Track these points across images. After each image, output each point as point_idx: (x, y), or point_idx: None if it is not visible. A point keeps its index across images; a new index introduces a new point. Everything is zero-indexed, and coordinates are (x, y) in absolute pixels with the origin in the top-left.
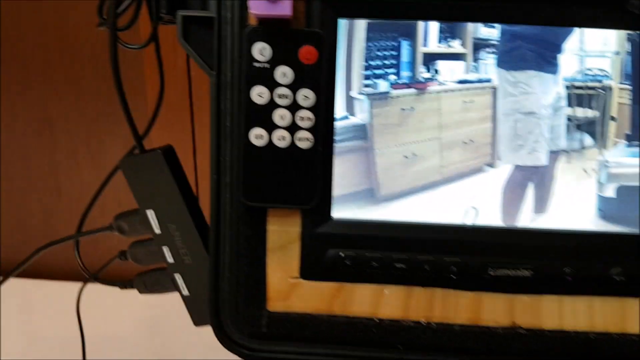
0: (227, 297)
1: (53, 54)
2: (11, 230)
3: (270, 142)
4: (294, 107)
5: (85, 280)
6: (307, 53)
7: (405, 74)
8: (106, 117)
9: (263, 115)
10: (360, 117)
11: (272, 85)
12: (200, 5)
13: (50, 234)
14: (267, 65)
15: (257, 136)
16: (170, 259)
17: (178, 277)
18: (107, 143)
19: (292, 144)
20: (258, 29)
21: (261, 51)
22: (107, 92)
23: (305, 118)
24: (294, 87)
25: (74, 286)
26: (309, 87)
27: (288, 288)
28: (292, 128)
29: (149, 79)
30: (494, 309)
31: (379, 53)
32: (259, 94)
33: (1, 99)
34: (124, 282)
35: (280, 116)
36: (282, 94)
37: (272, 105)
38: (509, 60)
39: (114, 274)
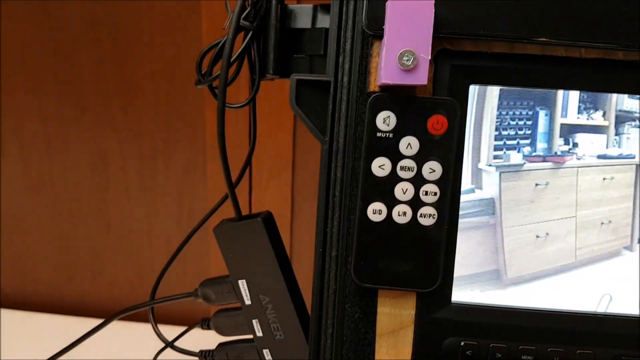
0: None
1: (110, 87)
2: (57, 266)
3: (389, 217)
4: (418, 181)
5: (162, 348)
6: (437, 123)
7: (540, 145)
8: (161, 153)
9: (383, 189)
10: (488, 190)
11: (395, 156)
12: (307, 67)
13: (97, 271)
14: (390, 135)
15: (376, 211)
16: (259, 333)
17: (266, 353)
18: (160, 181)
19: (414, 220)
20: (383, 96)
21: (385, 120)
22: (164, 128)
23: (430, 192)
24: (419, 159)
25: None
26: (436, 159)
27: None
28: (415, 203)
29: (208, 121)
30: None
31: (512, 122)
32: (380, 166)
33: (56, 131)
34: (204, 352)
35: (403, 190)
36: (406, 166)
37: (393, 178)
38: None
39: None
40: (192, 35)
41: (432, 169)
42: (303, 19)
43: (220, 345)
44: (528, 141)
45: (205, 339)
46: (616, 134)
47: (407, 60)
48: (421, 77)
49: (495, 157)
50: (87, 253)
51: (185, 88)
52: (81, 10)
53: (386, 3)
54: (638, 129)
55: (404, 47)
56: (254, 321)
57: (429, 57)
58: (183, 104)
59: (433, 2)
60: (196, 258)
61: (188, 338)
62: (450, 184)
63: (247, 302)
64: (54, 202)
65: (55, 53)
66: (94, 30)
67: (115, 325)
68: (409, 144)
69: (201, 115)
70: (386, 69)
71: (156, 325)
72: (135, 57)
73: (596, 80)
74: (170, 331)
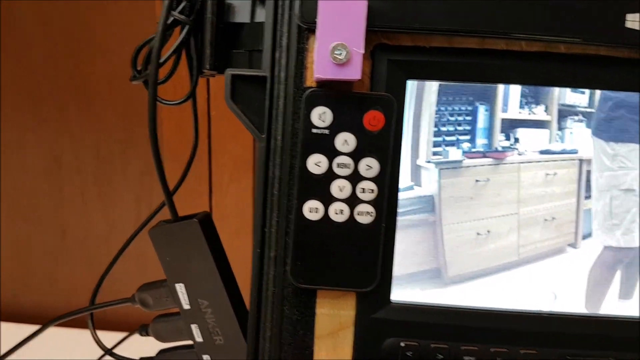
0: None
1: (65, 88)
2: (12, 271)
3: (326, 216)
4: (354, 178)
5: (101, 356)
6: (373, 119)
7: (480, 141)
8: (118, 157)
9: (320, 187)
10: (428, 187)
11: (331, 153)
12: (247, 62)
13: (53, 277)
14: (326, 132)
15: (312, 209)
16: (199, 338)
17: (207, 359)
18: (117, 184)
19: (351, 218)
20: (319, 92)
21: (321, 116)
22: (121, 130)
23: (367, 190)
24: (356, 155)
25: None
26: (373, 156)
27: None
28: (352, 201)
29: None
30: None
31: (451, 118)
32: (316, 163)
33: (12, 135)
34: (143, 359)
35: (339, 187)
36: (342, 163)
37: (330, 175)
38: (609, 130)
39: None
40: (147, 36)
41: (369, 165)
42: (242, 13)
43: (161, 352)
44: (467, 137)
45: (151, 346)
46: (559, 129)
47: (339, 54)
48: (355, 72)
49: (434, 153)
50: (43, 259)
51: (141, 88)
52: (32, 10)
53: None
54: (581, 124)
55: (336, 40)
56: (193, 326)
57: (362, 52)
58: (140, 104)
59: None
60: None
61: (133, 345)
62: (387, 181)
63: (186, 306)
64: (8, 207)
65: (6, 54)
66: (46, 30)
67: (55, 332)
68: (345, 141)
69: (158, 115)
70: (318, 63)
71: (95, 332)
72: (89, 57)
73: (538, 73)
74: (113, 338)
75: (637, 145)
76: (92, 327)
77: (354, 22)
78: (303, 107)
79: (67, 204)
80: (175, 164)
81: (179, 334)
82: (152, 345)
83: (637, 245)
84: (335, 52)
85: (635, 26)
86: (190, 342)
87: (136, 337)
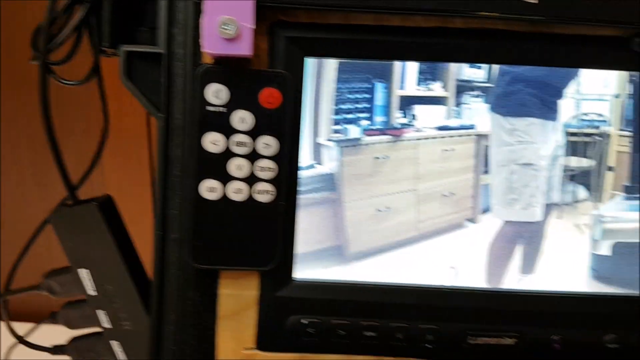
0: None
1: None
2: None
3: (224, 195)
4: (253, 156)
5: (14, 344)
6: (269, 96)
7: (379, 119)
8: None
9: (217, 166)
10: (329, 166)
11: (228, 131)
12: (149, 39)
13: None
14: (222, 110)
15: (210, 189)
16: (107, 324)
17: (116, 345)
18: (55, 175)
19: (250, 197)
20: (213, 68)
21: (216, 93)
22: (57, 115)
23: (266, 168)
24: (253, 133)
25: None
26: (271, 134)
27: None
28: (251, 179)
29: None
30: None
31: (350, 96)
32: (212, 142)
33: None
34: (57, 348)
35: (237, 166)
36: (240, 142)
37: (227, 154)
38: (507, 105)
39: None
40: None
41: (267, 144)
42: None
43: (73, 339)
44: (366, 115)
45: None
46: (456, 105)
47: (227, 28)
48: (245, 48)
49: (335, 131)
50: None
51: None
52: None
53: None
54: (479, 99)
55: (224, 15)
56: (100, 312)
57: (252, 27)
58: (74, 92)
59: None
60: None
61: (50, 333)
62: (286, 160)
63: (92, 292)
64: None
65: None
66: None
67: None
68: (242, 118)
69: (95, 102)
70: (206, 38)
71: (8, 320)
72: (23, 42)
73: (434, 50)
74: (29, 328)
75: (535, 120)
76: (6, 315)
77: None
78: (197, 83)
79: (4, 196)
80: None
81: (87, 320)
82: (68, 333)
83: (538, 219)
84: (223, 27)
85: None
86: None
87: (54, 326)
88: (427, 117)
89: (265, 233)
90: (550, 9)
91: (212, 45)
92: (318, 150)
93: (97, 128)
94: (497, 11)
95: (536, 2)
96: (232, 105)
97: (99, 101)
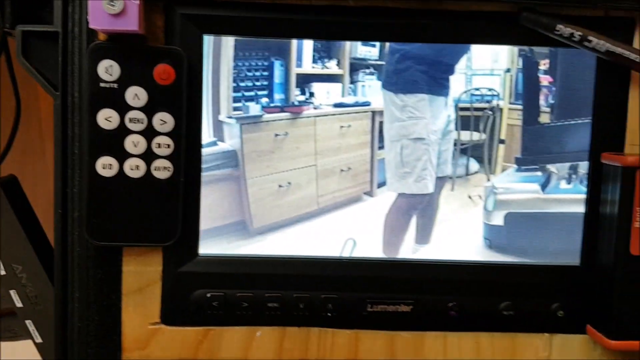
0: (77, 349)
1: None
2: None
3: (121, 172)
4: (149, 133)
5: None
6: (163, 72)
7: (278, 96)
8: None
9: (112, 142)
10: (230, 142)
11: (122, 108)
12: (51, 19)
13: None
14: (115, 86)
15: (105, 166)
16: (19, 304)
17: (29, 324)
18: None
19: (148, 174)
20: (103, 45)
21: (108, 69)
22: None
23: (163, 145)
24: (148, 110)
25: None
26: (166, 110)
27: (147, 335)
28: (148, 156)
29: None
30: (372, 348)
31: (249, 73)
32: (106, 118)
33: None
34: None
35: (133, 143)
36: (135, 118)
37: (122, 130)
38: (397, 82)
39: None
40: None
41: (163, 120)
42: None
43: None
44: (265, 92)
45: None
46: (351, 82)
47: (112, 4)
48: (131, 23)
49: (235, 109)
50: None
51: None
52: None
53: None
54: (373, 76)
55: None
56: (11, 292)
57: (137, 2)
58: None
59: None
60: None
61: None
62: (183, 136)
63: (1, 272)
64: None
65: None
66: None
67: None
68: (136, 95)
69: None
70: (92, 14)
71: None
72: None
73: (327, 28)
74: None
75: (426, 95)
76: None
77: None
78: (88, 60)
79: None
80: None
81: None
82: None
83: (430, 191)
84: (109, 3)
85: None
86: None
87: None
88: (324, 94)
89: (165, 209)
90: None
91: (98, 21)
92: (219, 127)
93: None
94: None
95: None
96: (125, 81)
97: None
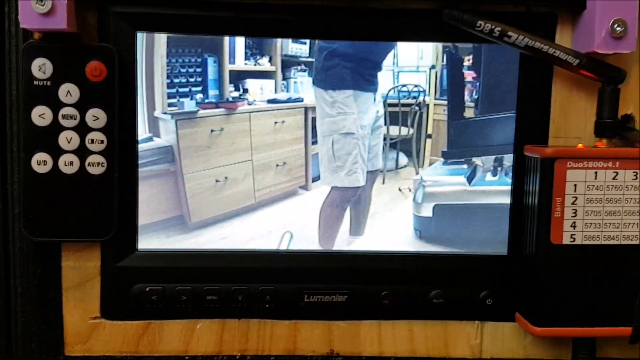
0: (21, 344)
1: None
2: None
3: (55, 168)
4: (82, 129)
5: None
6: (95, 69)
7: (212, 92)
8: None
9: (46, 139)
10: (166, 138)
11: (55, 105)
12: None
13: None
14: (48, 83)
15: (40, 162)
16: None
17: None
18: None
19: (83, 169)
20: (36, 43)
21: (41, 68)
22: None
23: (97, 141)
24: (81, 106)
25: None
26: (99, 106)
27: (88, 330)
28: (82, 152)
29: None
30: (311, 337)
31: (183, 70)
32: (40, 115)
33: None
34: None
35: (67, 139)
36: (68, 115)
37: (56, 127)
38: (326, 79)
39: None
40: None
41: (96, 116)
42: None
43: None
44: (200, 88)
45: None
46: (284, 79)
47: (41, 3)
48: (60, 22)
49: (170, 104)
50: None
51: None
52: None
53: None
54: (304, 73)
55: None
56: None
57: (65, 1)
58: None
59: None
60: None
61: None
62: (116, 132)
63: None
64: None
65: None
66: None
67: None
68: (68, 92)
69: None
70: (22, 14)
71: None
72: None
73: (258, 25)
74: None
75: (354, 92)
76: None
77: None
78: (22, 59)
79: None
80: None
81: None
82: None
83: (361, 184)
84: (38, 2)
85: None
86: None
87: None
88: (257, 90)
89: (101, 205)
90: None
91: (28, 20)
92: (155, 123)
93: None
94: None
95: None
96: (58, 78)
97: None
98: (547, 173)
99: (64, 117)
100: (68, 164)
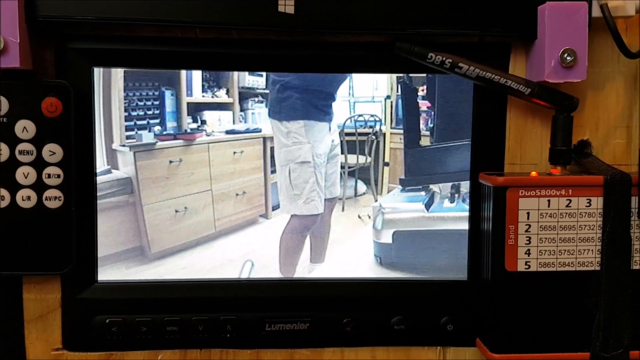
0: None
1: None
2: None
3: (13, 202)
4: (39, 164)
5: None
6: (51, 105)
7: (170, 124)
8: None
9: (3, 174)
10: (125, 170)
11: (12, 140)
12: None
13: None
14: (5, 120)
15: None
16: None
17: None
18: None
19: (40, 203)
20: None
21: None
22: None
23: (54, 175)
24: (37, 142)
25: None
26: (55, 141)
27: None
28: (39, 186)
29: None
30: None
31: (140, 103)
32: None
33: None
34: None
35: (24, 174)
36: (25, 150)
37: (13, 162)
38: (281, 110)
39: None
40: None
41: (52, 151)
42: None
43: None
44: (158, 120)
45: None
46: (241, 110)
47: None
48: (13, 60)
49: (128, 137)
50: None
51: None
52: None
53: None
54: (261, 104)
55: None
56: None
57: (17, 40)
58: None
59: None
60: None
61: None
62: (73, 166)
63: None
64: None
65: None
66: None
67: None
68: (24, 128)
69: None
70: None
71: None
72: None
73: (213, 59)
74: None
75: (308, 122)
76: None
77: (7, 11)
78: None
79: None
80: None
81: None
82: None
83: (320, 212)
84: None
85: (290, 10)
86: None
87: None
88: (215, 121)
89: (59, 237)
90: (307, 19)
91: None
92: (114, 156)
93: None
94: (255, 22)
95: (292, 12)
96: (14, 115)
97: None
98: (500, 201)
99: (20, 152)
100: (25, 199)
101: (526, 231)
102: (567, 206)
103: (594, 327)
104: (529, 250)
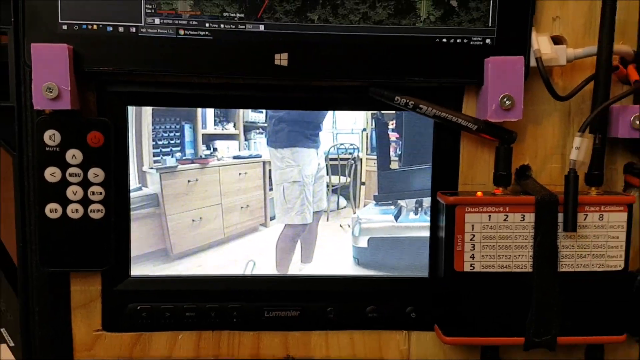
0: (39, 354)
1: None
2: None
3: (64, 214)
4: (85, 184)
5: None
6: (94, 138)
7: (189, 151)
8: None
9: (56, 192)
10: (152, 188)
11: (63, 165)
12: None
13: None
14: (57, 149)
15: (52, 210)
16: None
17: (4, 331)
18: None
19: (86, 215)
20: (47, 118)
21: (51, 137)
22: None
23: (97, 193)
24: (83, 166)
25: None
26: (98, 166)
27: (92, 340)
28: (85, 202)
29: None
30: (271, 345)
31: (165, 134)
32: (51, 174)
33: None
34: None
35: (73, 192)
36: (73, 173)
37: (64, 183)
38: (276, 140)
39: None
40: None
41: (96, 174)
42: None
43: None
44: (179, 148)
45: None
46: (246, 140)
47: (49, 91)
48: (65, 104)
49: (155, 161)
50: None
51: None
52: None
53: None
54: (262, 135)
55: (47, 81)
56: None
57: (69, 89)
58: None
59: (67, 46)
60: None
61: None
62: (113, 185)
63: None
64: None
65: None
66: None
67: None
68: (73, 155)
69: None
70: (35, 98)
71: None
72: None
73: (224, 99)
74: None
75: (299, 148)
76: None
77: (60, 66)
78: (36, 130)
79: None
80: None
81: None
82: None
83: (309, 222)
84: (47, 91)
85: (284, 63)
86: None
87: None
88: (225, 149)
89: (101, 242)
90: (298, 70)
91: (40, 103)
92: (144, 176)
93: None
94: (256, 73)
95: (286, 65)
96: (65, 145)
97: None
98: (450, 216)
99: (70, 175)
100: (74, 211)
101: (471, 239)
102: (504, 220)
103: (528, 317)
104: (473, 254)
